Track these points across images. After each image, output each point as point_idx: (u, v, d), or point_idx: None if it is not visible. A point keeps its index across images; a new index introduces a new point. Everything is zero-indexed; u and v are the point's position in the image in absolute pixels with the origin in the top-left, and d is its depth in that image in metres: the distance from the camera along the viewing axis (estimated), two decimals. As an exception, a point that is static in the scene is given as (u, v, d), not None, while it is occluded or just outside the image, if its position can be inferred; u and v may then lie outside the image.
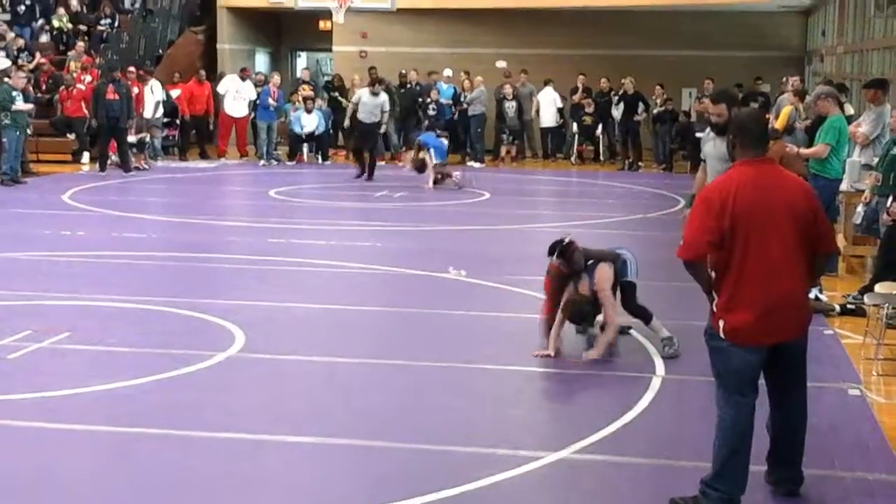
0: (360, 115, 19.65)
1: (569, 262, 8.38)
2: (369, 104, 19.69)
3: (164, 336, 8.85)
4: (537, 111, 23.92)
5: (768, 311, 5.31)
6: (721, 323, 5.38)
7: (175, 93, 23.17)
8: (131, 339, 8.72)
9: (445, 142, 20.44)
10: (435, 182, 18.77)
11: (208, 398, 7.34)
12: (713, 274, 5.46)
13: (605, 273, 8.38)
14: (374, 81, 20.58)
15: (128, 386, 7.48)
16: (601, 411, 7.15)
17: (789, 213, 5.37)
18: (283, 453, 6.40)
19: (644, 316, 8.56)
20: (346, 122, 20.71)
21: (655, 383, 7.74)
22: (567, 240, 8.47)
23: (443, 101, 23.45)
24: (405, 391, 7.66)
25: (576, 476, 6.15)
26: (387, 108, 20.06)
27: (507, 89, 23.46)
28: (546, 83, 23.87)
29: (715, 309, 5.44)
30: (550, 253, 8.46)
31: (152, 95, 22.02)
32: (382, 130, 20.65)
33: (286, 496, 5.79)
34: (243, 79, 23.47)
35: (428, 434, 6.68)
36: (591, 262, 8.48)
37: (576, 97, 23.78)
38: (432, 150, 19.22)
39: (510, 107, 23.48)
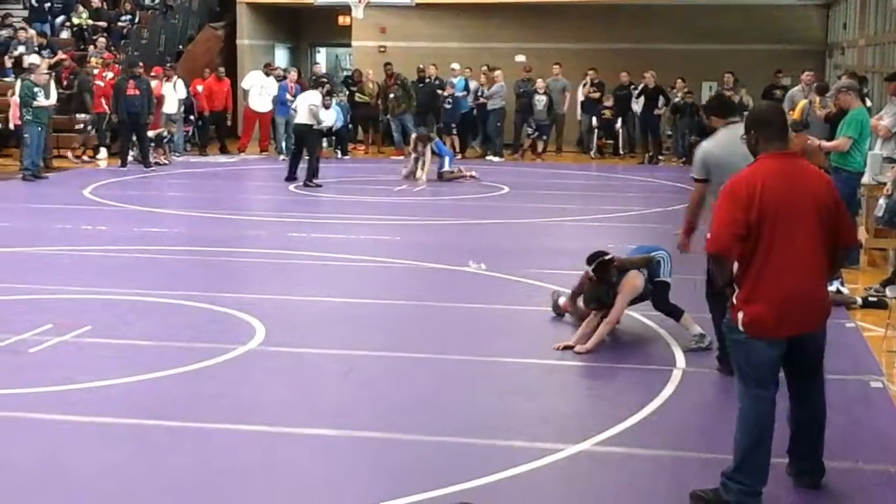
0: (299, 117, 18.71)
1: (601, 276, 8.49)
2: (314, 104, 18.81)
3: (184, 329, 8.88)
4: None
5: (788, 304, 5.29)
6: (741, 315, 5.36)
7: (197, 88, 23.23)
8: (152, 333, 8.75)
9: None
10: (446, 178, 18.84)
11: (229, 391, 7.36)
12: (735, 266, 5.43)
13: (631, 281, 8.43)
14: (319, 82, 20.49)
15: (148, 379, 7.51)
16: (621, 404, 7.14)
17: (814, 206, 5.36)
18: (302, 446, 6.42)
19: (675, 314, 8.55)
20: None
21: (676, 376, 7.72)
22: (609, 257, 8.51)
23: (458, 94, 23.42)
24: (425, 384, 7.66)
25: (596, 468, 6.14)
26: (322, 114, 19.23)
27: (540, 83, 23.32)
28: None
29: (735, 301, 5.42)
30: (588, 263, 8.55)
31: (175, 92, 22.08)
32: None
33: (306, 488, 5.80)
34: (267, 74, 23.52)
35: (447, 427, 6.68)
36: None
37: (585, 91, 23.72)
38: (447, 158, 19.27)
39: (540, 101, 23.36)
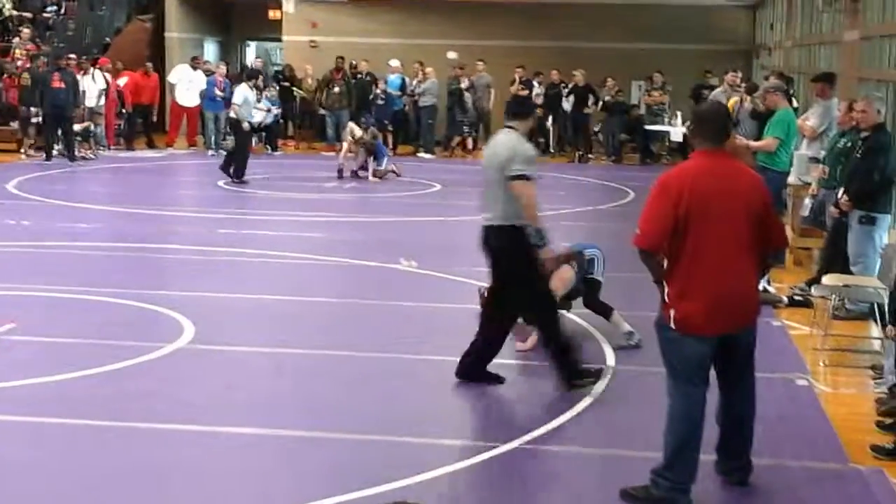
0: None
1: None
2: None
3: (112, 327, 8.75)
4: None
5: (718, 302, 5.36)
6: (672, 313, 5.42)
7: (122, 81, 22.88)
8: (79, 330, 8.62)
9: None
10: (378, 176, 18.77)
11: (158, 389, 7.27)
12: (665, 263, 5.49)
13: (561, 275, 8.41)
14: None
15: (76, 377, 7.39)
16: (552, 402, 7.17)
17: (743, 205, 5.42)
18: (233, 444, 6.36)
19: (604, 312, 8.60)
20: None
21: (607, 374, 7.77)
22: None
23: (391, 91, 23.39)
24: (356, 382, 7.63)
25: (528, 466, 6.15)
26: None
27: (465, 81, 23.41)
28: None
29: (666, 299, 5.47)
30: None
31: (94, 84, 21.69)
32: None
33: (238, 486, 5.75)
34: (194, 68, 23.27)
35: (378, 424, 6.67)
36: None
37: (513, 88, 23.80)
38: (385, 159, 19.17)
39: (469, 98, 23.43)
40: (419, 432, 6.56)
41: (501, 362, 8.15)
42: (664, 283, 5.49)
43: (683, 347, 5.42)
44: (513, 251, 7.27)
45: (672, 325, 5.42)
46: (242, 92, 18.31)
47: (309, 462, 6.15)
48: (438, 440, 6.43)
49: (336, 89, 23.31)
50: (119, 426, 6.53)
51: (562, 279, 8.45)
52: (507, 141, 7.36)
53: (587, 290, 8.61)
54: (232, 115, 18.34)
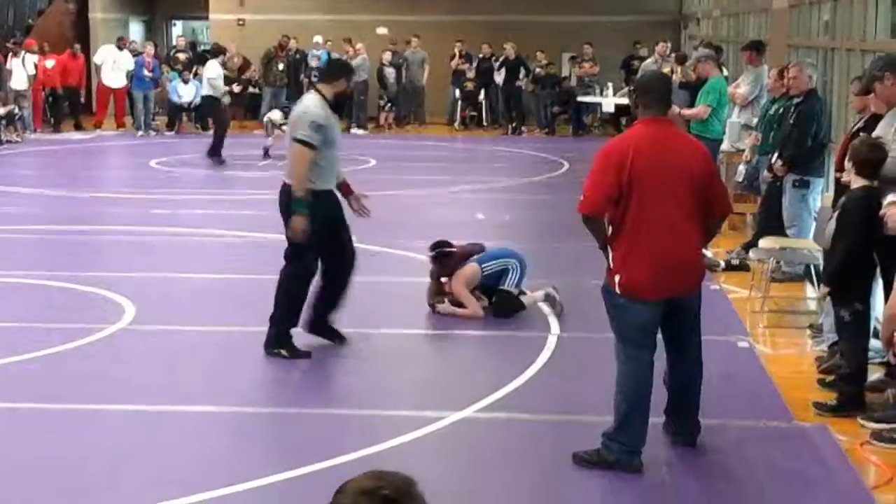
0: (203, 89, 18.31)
1: (441, 266, 8.65)
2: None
3: (49, 310, 8.63)
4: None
5: (663, 267, 5.42)
6: (617, 278, 5.46)
7: (49, 63, 22.44)
8: (15, 314, 8.48)
9: None
10: None
11: (103, 371, 7.19)
12: (609, 229, 5.53)
13: (464, 274, 8.51)
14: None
15: (16, 361, 7.27)
16: (499, 371, 7.20)
17: (686, 173, 5.47)
18: (184, 424, 6.31)
19: (515, 310, 8.49)
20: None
21: (551, 342, 7.83)
22: (447, 250, 8.64)
23: (322, 67, 23.23)
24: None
25: (479, 435, 6.20)
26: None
27: (386, 56, 23.38)
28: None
29: (611, 265, 5.51)
30: (430, 249, 8.72)
31: (23, 68, 21.26)
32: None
33: (189, 466, 5.70)
34: (120, 48, 22.90)
35: (328, 398, 6.68)
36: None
37: (453, 63, 23.79)
38: None
39: (389, 73, 23.39)
40: (369, 405, 6.57)
41: (445, 333, 8.20)
42: (609, 249, 5.53)
43: (630, 312, 5.47)
44: (286, 207, 7.35)
45: (618, 291, 5.46)
46: (215, 68, 18.07)
47: (258, 439, 6.13)
48: (388, 412, 6.44)
49: (280, 66, 23.12)
50: (64, 408, 6.45)
51: (464, 276, 8.50)
52: (304, 103, 7.49)
53: (498, 301, 8.51)
54: (207, 92, 18.10)
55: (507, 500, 5.38)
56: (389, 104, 23.68)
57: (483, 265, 8.62)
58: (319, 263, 7.53)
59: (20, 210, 13.38)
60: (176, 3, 28.45)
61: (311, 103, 7.38)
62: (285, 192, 7.37)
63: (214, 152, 17.71)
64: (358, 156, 18.70)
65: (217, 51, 19.60)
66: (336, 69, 7.95)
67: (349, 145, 19.63)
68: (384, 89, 23.60)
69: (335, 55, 23.67)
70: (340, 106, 7.70)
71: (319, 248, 7.41)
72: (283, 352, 7.34)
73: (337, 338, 7.66)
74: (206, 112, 18.10)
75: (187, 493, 5.22)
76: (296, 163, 7.24)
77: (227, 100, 18.45)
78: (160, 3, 28.78)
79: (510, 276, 8.58)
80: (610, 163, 5.46)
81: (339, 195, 7.64)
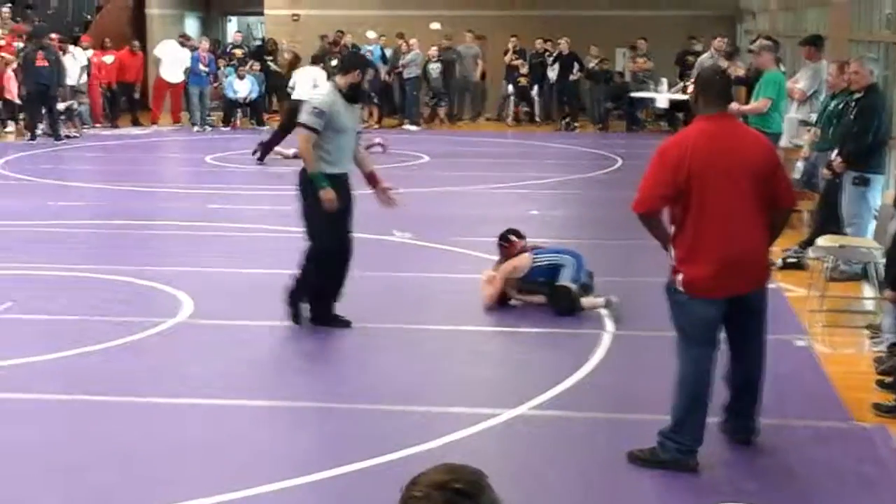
0: (297, 93, 17.82)
1: (501, 255, 8.87)
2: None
3: (111, 304, 8.74)
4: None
5: (727, 264, 5.37)
6: (680, 276, 5.43)
7: (108, 59, 22.73)
8: (77, 308, 8.61)
9: None
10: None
11: (162, 365, 7.28)
12: (672, 228, 5.51)
13: (514, 262, 8.67)
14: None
15: (79, 354, 7.39)
16: (555, 368, 7.21)
17: (748, 168, 5.42)
18: (242, 417, 6.38)
19: (569, 312, 8.44)
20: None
21: (606, 340, 7.82)
22: (510, 238, 8.85)
23: (376, 63, 23.30)
24: (360, 353, 7.67)
25: (534, 432, 6.20)
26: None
27: (432, 51, 23.40)
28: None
29: (674, 263, 5.49)
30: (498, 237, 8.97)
31: (75, 61, 21.53)
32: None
33: (249, 460, 5.76)
34: (182, 45, 23.12)
35: (385, 394, 6.70)
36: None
37: (507, 58, 23.78)
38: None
39: (434, 68, 23.41)
40: (425, 401, 6.60)
41: (500, 330, 8.22)
42: (672, 246, 5.50)
43: (692, 310, 5.44)
44: (300, 189, 7.96)
45: (681, 288, 5.43)
46: (313, 74, 17.96)
47: (314, 433, 6.19)
48: (444, 408, 6.46)
49: (333, 63, 23.18)
50: (125, 401, 6.54)
51: (515, 266, 8.57)
52: (316, 91, 8.19)
53: (554, 294, 8.53)
54: (299, 97, 17.82)
55: (562, 498, 5.39)
56: (436, 100, 23.70)
57: (535, 256, 8.66)
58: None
59: (80, 205, 13.58)
60: (231, -1, 28.71)
61: (319, 92, 8.13)
62: (301, 175, 7.95)
63: (265, 151, 17.64)
64: (411, 152, 18.77)
65: (320, 57, 19.43)
66: (351, 62, 8.26)
67: (402, 142, 19.79)
68: (428, 85, 23.62)
69: (388, 50, 23.85)
70: (356, 97, 8.05)
71: (342, 226, 7.96)
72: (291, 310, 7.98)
73: (342, 324, 8.02)
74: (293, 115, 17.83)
75: (244, 486, 5.28)
76: (300, 145, 7.95)
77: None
78: (216, -1, 29.06)
79: (564, 271, 8.58)
80: (666, 161, 5.43)
81: (354, 185, 8.11)
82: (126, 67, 22.90)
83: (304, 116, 7.85)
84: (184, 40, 23.33)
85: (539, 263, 8.66)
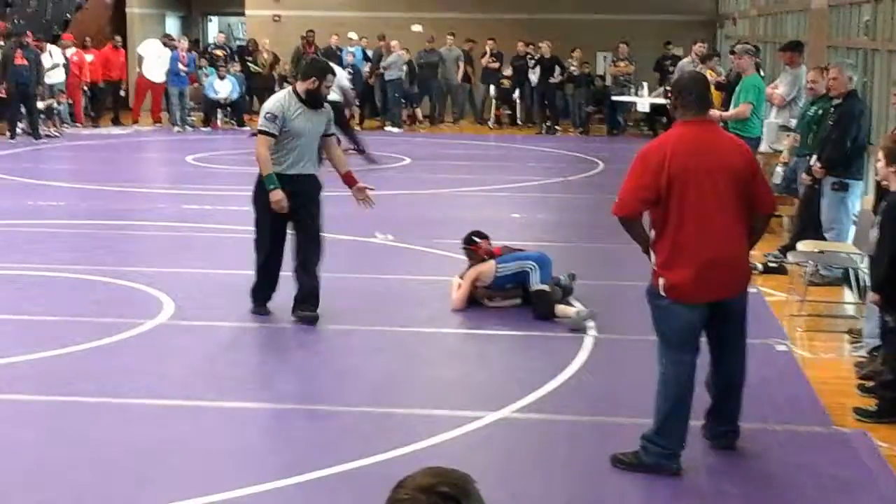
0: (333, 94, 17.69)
1: (468, 256, 8.94)
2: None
3: (90, 305, 8.70)
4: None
5: (708, 269, 5.38)
6: (661, 281, 5.44)
7: (89, 57, 22.61)
8: (56, 308, 8.57)
9: None
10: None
11: (142, 365, 7.24)
12: (653, 233, 5.52)
13: (479, 269, 8.71)
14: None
15: (58, 354, 7.35)
16: (537, 371, 7.20)
17: (728, 172, 5.44)
18: (222, 418, 6.35)
19: (547, 317, 8.42)
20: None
21: (588, 343, 7.83)
22: (475, 240, 8.91)
23: (358, 65, 23.31)
24: (341, 355, 7.66)
25: (516, 435, 6.20)
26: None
27: (404, 55, 23.39)
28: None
29: (655, 267, 5.50)
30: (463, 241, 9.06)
31: (51, 59, 21.39)
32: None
33: (230, 461, 5.74)
34: (165, 45, 23.04)
35: (366, 397, 6.68)
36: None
37: (484, 60, 23.81)
38: None
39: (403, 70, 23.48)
40: (408, 403, 6.59)
41: (482, 333, 8.22)
42: (653, 251, 5.52)
43: (674, 315, 5.45)
44: (254, 192, 8.35)
45: (662, 293, 5.44)
46: (343, 74, 17.71)
47: (299, 435, 6.15)
48: (426, 411, 6.46)
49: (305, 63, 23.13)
50: (105, 402, 6.50)
51: (479, 273, 8.66)
52: (271, 98, 8.56)
53: (535, 300, 8.53)
54: (334, 98, 17.53)
55: (544, 502, 5.38)
56: (405, 102, 23.73)
57: (499, 265, 8.68)
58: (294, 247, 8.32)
59: (60, 204, 13.51)
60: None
61: (274, 97, 8.44)
62: (258, 177, 8.27)
63: (364, 153, 17.37)
64: (392, 154, 18.76)
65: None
66: (309, 68, 8.46)
67: (383, 143, 19.75)
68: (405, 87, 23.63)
69: (370, 52, 23.84)
70: (315, 103, 8.20)
71: (281, 227, 8.25)
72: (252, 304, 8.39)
73: (307, 321, 8.17)
74: (338, 119, 17.47)
75: (224, 488, 5.26)
76: (256, 148, 8.24)
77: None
78: (197, -1, 28.97)
79: (532, 276, 8.61)
80: (647, 165, 5.45)
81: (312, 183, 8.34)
82: (110, 64, 22.80)
83: (259, 122, 8.27)
84: (167, 41, 23.24)
85: (503, 273, 8.68)
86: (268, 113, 8.13)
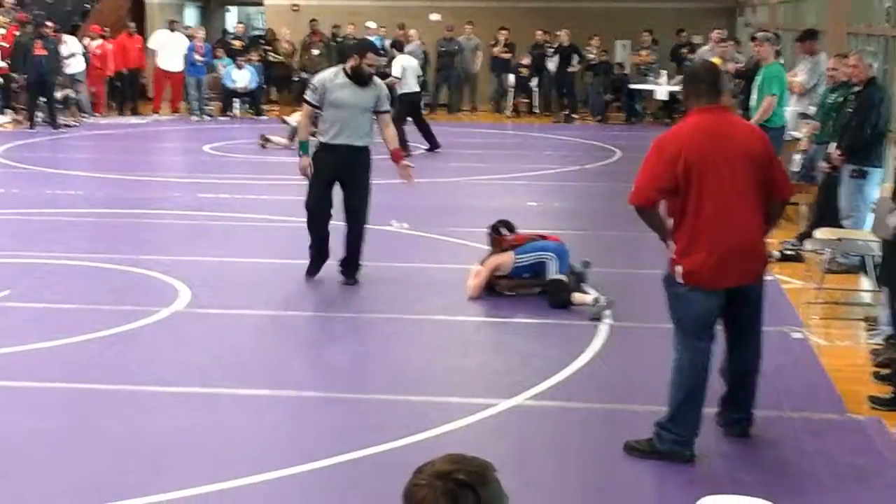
0: (407, 86, 17.40)
1: (491, 243, 8.97)
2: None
3: (107, 292, 8.74)
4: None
5: (725, 255, 5.37)
6: (679, 268, 5.43)
7: (109, 46, 22.66)
8: (75, 296, 8.62)
9: None
10: None
11: (159, 353, 7.28)
12: (671, 221, 5.51)
13: (498, 259, 8.73)
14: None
15: (76, 342, 7.39)
16: (551, 358, 7.21)
17: (744, 159, 5.42)
18: (239, 406, 6.37)
19: (563, 305, 8.42)
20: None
21: (603, 330, 7.82)
22: (502, 231, 8.92)
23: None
24: (355, 342, 7.68)
25: (530, 422, 6.20)
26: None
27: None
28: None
29: (673, 255, 5.49)
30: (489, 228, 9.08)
31: (69, 49, 21.43)
32: None
33: (246, 448, 5.76)
34: (172, 30, 23.08)
35: (383, 384, 6.71)
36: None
37: (496, 50, 23.75)
38: None
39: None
40: (422, 391, 6.61)
41: (497, 320, 8.22)
42: (671, 240, 5.50)
43: (691, 302, 5.44)
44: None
45: (680, 280, 5.43)
46: (407, 62, 17.62)
47: (314, 422, 6.18)
48: (440, 398, 6.47)
49: (315, 52, 23.19)
50: (123, 390, 6.54)
51: (498, 264, 8.69)
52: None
53: (551, 289, 8.53)
54: (409, 89, 17.29)
55: (558, 489, 5.39)
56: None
57: (517, 256, 8.67)
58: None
59: (78, 193, 13.55)
60: (231, -11, 28.64)
61: (323, 72, 9.21)
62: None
63: (432, 142, 17.46)
64: (409, 142, 18.72)
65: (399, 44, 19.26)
66: (351, 48, 9.53)
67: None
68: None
69: (388, 41, 23.81)
70: (359, 79, 8.74)
71: (324, 191, 8.92)
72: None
73: (348, 280, 9.02)
74: (411, 112, 17.23)
75: (242, 475, 5.29)
76: (300, 115, 9.03)
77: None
78: (215, -12, 28.99)
79: (549, 267, 8.60)
80: (663, 154, 5.43)
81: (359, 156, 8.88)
82: (127, 52, 22.84)
83: (306, 93, 9.08)
84: (174, 26, 23.27)
85: (521, 263, 8.69)
86: (312, 84, 8.97)
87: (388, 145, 9.08)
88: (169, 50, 22.79)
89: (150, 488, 5.21)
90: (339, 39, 23.63)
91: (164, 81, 23.23)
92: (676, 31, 23.09)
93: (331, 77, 8.82)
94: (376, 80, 8.97)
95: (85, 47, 21.78)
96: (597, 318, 8.05)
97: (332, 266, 9.71)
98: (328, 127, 8.78)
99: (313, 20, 23.44)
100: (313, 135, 9.20)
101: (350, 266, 9.01)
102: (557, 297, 8.42)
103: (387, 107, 9.01)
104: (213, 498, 5.11)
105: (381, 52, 9.19)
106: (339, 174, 8.82)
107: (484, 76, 24.11)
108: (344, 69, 8.79)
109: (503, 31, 23.74)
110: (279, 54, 23.90)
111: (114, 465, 5.50)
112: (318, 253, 9.11)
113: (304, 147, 8.93)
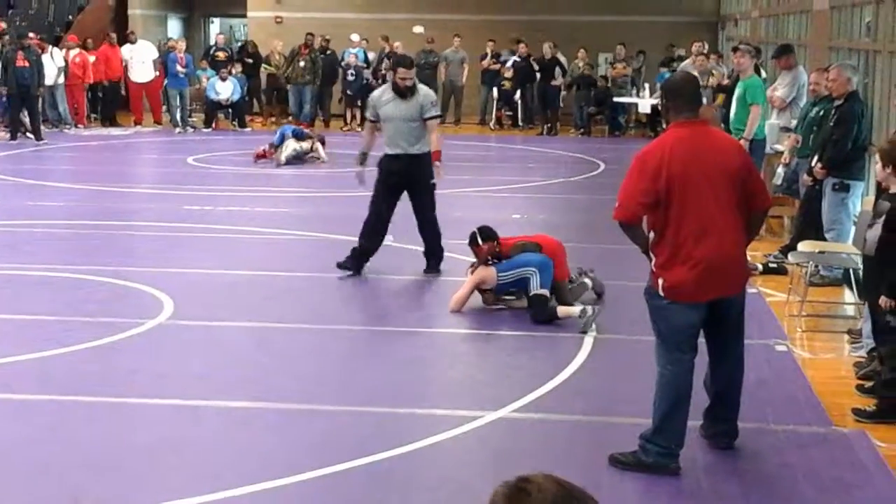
0: None
1: (476, 255, 8.90)
2: None
3: (91, 304, 8.71)
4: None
5: (706, 268, 5.39)
6: (661, 281, 5.45)
7: (92, 59, 22.61)
8: (57, 308, 8.57)
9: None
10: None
11: (142, 365, 7.25)
12: (652, 234, 5.52)
13: (482, 273, 8.68)
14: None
15: (58, 354, 7.35)
16: (536, 371, 7.21)
17: (723, 171, 5.45)
18: (221, 419, 6.35)
19: (546, 321, 8.40)
20: None
21: (588, 342, 7.83)
22: (478, 240, 8.87)
23: (360, 65, 23.31)
24: (339, 355, 7.66)
25: (515, 434, 6.20)
26: None
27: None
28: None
29: (654, 268, 5.50)
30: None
31: (52, 62, 21.40)
32: None
33: (230, 460, 5.74)
34: (133, 42, 23.04)
35: (366, 397, 6.69)
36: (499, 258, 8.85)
37: (484, 63, 23.78)
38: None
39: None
40: (407, 403, 6.59)
41: (482, 333, 8.22)
42: (652, 252, 5.52)
43: (673, 315, 5.46)
44: None
45: (661, 293, 5.45)
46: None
47: (297, 435, 6.15)
48: (425, 410, 6.46)
49: (301, 63, 23.17)
50: (105, 402, 6.51)
51: (482, 278, 8.65)
52: None
53: (532, 304, 8.52)
54: None
55: (544, 501, 5.37)
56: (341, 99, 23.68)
57: (500, 273, 8.64)
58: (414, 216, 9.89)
59: (61, 205, 13.51)
60: (214, 1, 28.59)
61: (377, 89, 10.25)
62: None
63: None
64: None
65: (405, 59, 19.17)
66: (395, 62, 10.15)
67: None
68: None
69: (371, 54, 23.83)
70: (400, 92, 9.54)
71: (384, 194, 9.77)
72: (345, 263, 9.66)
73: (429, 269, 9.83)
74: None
75: (225, 487, 5.27)
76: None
77: None
78: (199, 0, 28.94)
79: (532, 281, 8.59)
80: (645, 169, 5.45)
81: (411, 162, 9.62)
82: (110, 63, 22.79)
83: (367, 111, 10.12)
84: (133, 37, 23.25)
85: (504, 280, 8.65)
86: (368, 101, 10.05)
87: (430, 147, 9.69)
88: (135, 61, 22.73)
89: (129, 501, 5.18)
90: (328, 52, 23.59)
91: (137, 93, 23.14)
92: (668, 46, 23.15)
93: (380, 94, 9.79)
94: (420, 89, 9.71)
95: (63, 58, 21.71)
96: (585, 330, 8.04)
97: (314, 277, 9.72)
98: (386, 138, 9.68)
99: (309, 34, 23.41)
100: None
101: (433, 257, 9.81)
102: (541, 313, 8.41)
103: (431, 113, 9.68)
104: (196, 511, 5.08)
105: (413, 65, 9.97)
106: (398, 180, 9.69)
107: (469, 89, 24.13)
108: (391, 84, 9.67)
109: (491, 43, 23.77)
110: (270, 66, 23.88)
111: (93, 477, 5.47)
112: (362, 251, 9.70)
113: (360, 157, 10.04)
